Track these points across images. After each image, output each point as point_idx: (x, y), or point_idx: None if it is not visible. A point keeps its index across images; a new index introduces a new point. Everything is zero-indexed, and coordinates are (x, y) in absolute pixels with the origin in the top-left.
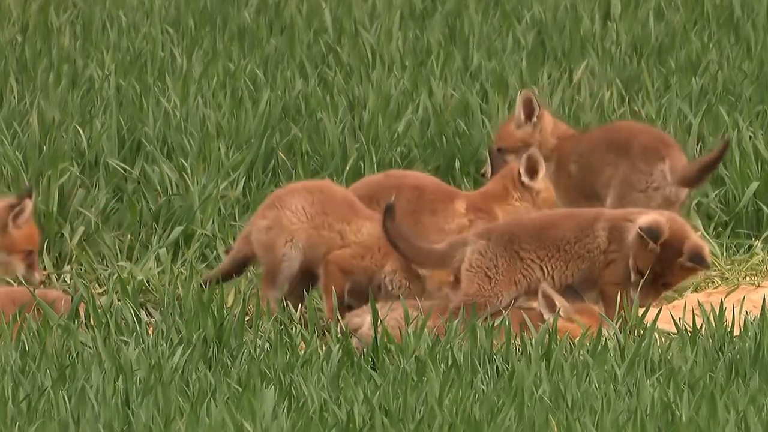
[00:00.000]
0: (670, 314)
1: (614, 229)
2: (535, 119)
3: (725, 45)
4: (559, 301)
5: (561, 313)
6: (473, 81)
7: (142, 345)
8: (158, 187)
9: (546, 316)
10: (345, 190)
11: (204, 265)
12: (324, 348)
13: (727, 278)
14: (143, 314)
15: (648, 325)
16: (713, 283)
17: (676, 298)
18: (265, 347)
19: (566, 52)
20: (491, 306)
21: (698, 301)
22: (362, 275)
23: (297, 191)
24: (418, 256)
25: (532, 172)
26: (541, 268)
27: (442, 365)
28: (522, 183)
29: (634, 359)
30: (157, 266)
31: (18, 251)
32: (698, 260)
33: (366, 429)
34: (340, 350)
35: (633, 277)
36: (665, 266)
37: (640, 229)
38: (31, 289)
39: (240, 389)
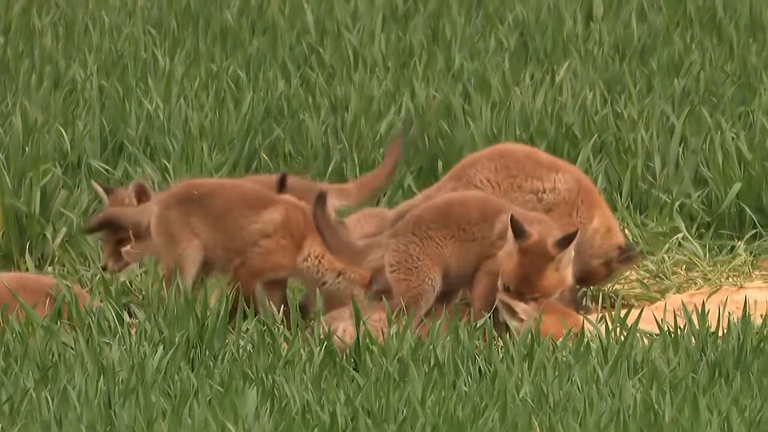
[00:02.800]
0: (653, 315)
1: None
2: None
3: (708, 46)
4: (517, 305)
5: (522, 316)
6: (456, 82)
7: (125, 346)
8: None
9: (510, 323)
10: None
11: None
12: (306, 349)
13: (710, 279)
14: (125, 315)
15: (630, 325)
16: (696, 284)
17: (659, 299)
18: (248, 348)
19: (549, 53)
20: (427, 294)
21: (681, 301)
22: None
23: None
24: (337, 247)
25: None
26: (446, 247)
27: (425, 366)
28: None
29: (617, 360)
30: (140, 267)
31: None
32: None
33: (349, 430)
34: (323, 351)
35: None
36: None
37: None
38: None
39: (222, 390)
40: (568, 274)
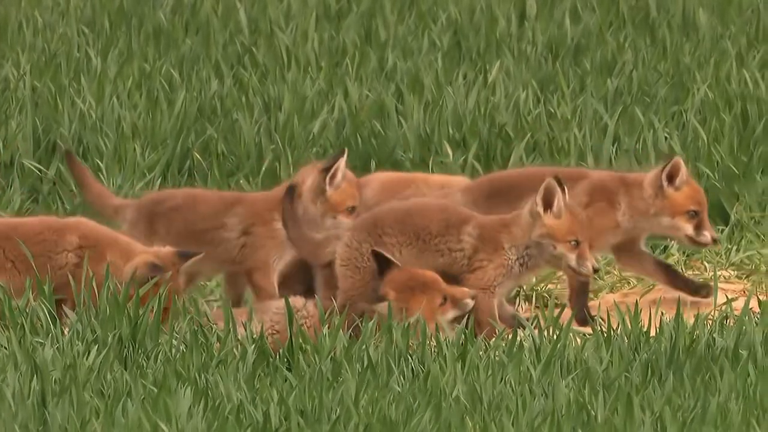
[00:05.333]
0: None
1: (485, 237)
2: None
3: (641, 46)
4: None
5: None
6: (389, 82)
7: (58, 345)
8: (74, 188)
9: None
10: None
11: None
12: (239, 348)
13: (643, 279)
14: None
15: (563, 325)
16: (629, 283)
17: (592, 299)
18: (181, 347)
19: (482, 53)
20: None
21: (614, 301)
22: None
23: None
24: (298, 240)
25: None
26: (400, 253)
27: (358, 366)
28: None
29: (550, 360)
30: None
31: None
32: None
33: (282, 429)
34: (256, 350)
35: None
36: None
37: None
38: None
39: (156, 389)
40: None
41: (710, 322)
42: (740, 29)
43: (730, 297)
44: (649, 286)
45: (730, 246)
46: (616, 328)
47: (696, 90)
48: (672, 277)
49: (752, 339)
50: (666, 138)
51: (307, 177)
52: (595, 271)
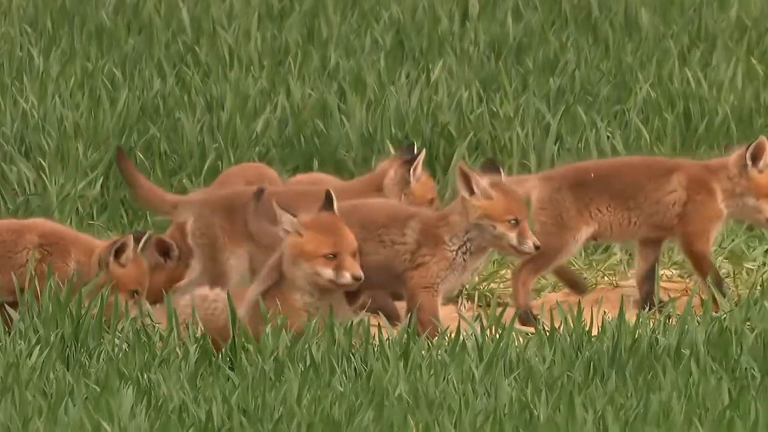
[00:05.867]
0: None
1: (427, 233)
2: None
3: (583, 45)
4: (283, 215)
5: (287, 227)
6: (331, 81)
7: (0, 344)
8: (16, 187)
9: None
10: None
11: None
12: (182, 347)
13: (586, 278)
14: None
15: (506, 324)
16: None
17: (535, 298)
18: (123, 347)
19: (424, 52)
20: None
21: (557, 300)
22: None
23: None
24: (261, 235)
25: None
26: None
27: (300, 365)
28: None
29: (492, 359)
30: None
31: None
32: None
33: (224, 429)
34: (198, 350)
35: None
36: None
37: None
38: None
39: (98, 389)
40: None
41: (653, 321)
42: (682, 28)
43: (672, 296)
44: (592, 285)
45: (672, 245)
46: (559, 327)
47: (638, 89)
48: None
49: (694, 338)
50: (608, 137)
51: (387, 171)
52: (537, 248)
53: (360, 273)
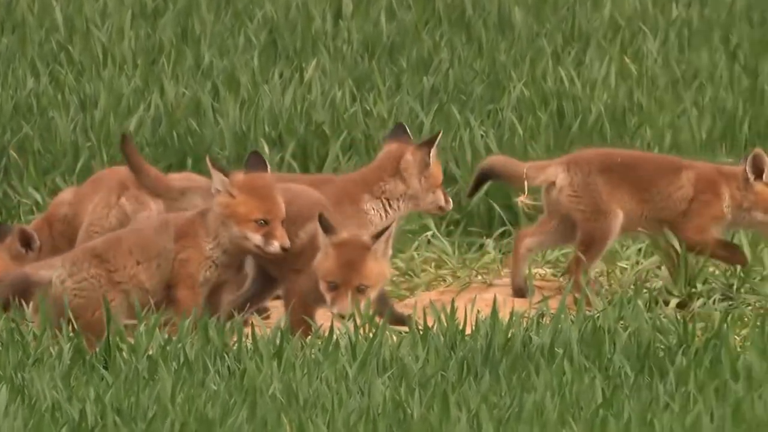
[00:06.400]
0: (402, 312)
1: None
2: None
3: (456, 44)
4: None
5: (218, 186)
6: (205, 79)
7: None
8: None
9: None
10: None
11: None
12: (56, 346)
13: (459, 277)
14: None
15: (380, 323)
16: (445, 281)
17: (408, 297)
18: None
19: (298, 51)
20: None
21: (430, 299)
22: None
23: None
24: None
25: None
26: None
27: (174, 364)
28: None
29: (366, 358)
30: None
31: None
32: None
33: (98, 428)
34: (72, 349)
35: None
36: None
37: None
38: None
39: None
40: (386, 269)
41: (526, 320)
42: (556, 27)
43: (545, 295)
44: (464, 284)
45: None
46: (432, 326)
47: (512, 88)
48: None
49: (568, 337)
50: (482, 136)
51: (396, 155)
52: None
53: (288, 243)
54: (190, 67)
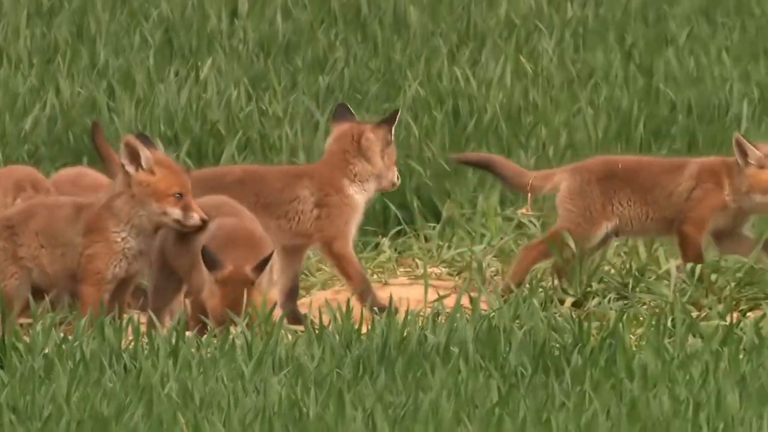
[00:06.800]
0: (297, 312)
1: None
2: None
3: (352, 43)
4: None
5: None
6: (100, 79)
7: None
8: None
9: None
10: None
11: None
12: None
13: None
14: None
15: (275, 322)
16: (340, 280)
17: (304, 296)
18: None
19: (194, 50)
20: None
21: (325, 298)
22: None
23: None
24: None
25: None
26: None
27: (70, 362)
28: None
29: (262, 356)
30: None
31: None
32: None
33: None
34: None
35: None
36: None
37: None
38: None
39: None
40: (274, 294)
41: (422, 319)
42: (451, 27)
43: (441, 294)
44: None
45: (441, 243)
46: (328, 325)
47: (407, 87)
48: None
49: (464, 336)
50: None
51: (360, 135)
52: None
53: (205, 216)
54: (86, 66)
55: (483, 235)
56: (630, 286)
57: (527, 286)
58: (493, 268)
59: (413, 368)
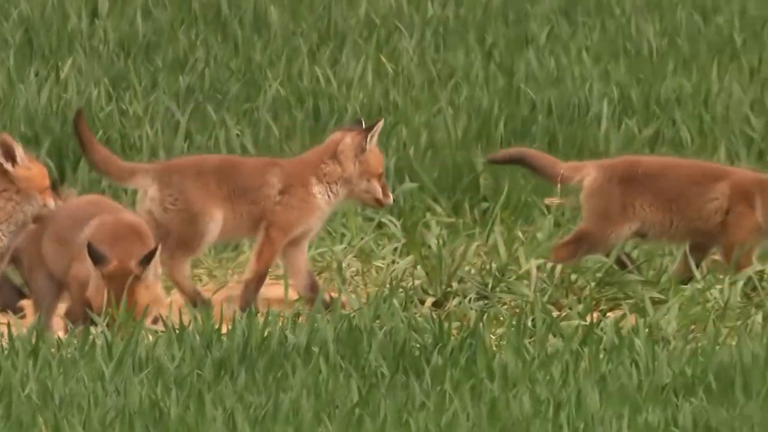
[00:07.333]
0: (159, 313)
1: None
2: None
3: (212, 43)
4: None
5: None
6: None
7: None
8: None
9: None
10: None
11: None
12: None
13: (215, 276)
14: None
15: (135, 323)
16: (201, 280)
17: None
18: None
19: (54, 50)
20: None
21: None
22: None
23: None
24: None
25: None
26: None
27: None
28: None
29: (122, 357)
30: None
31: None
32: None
33: None
34: None
35: None
36: None
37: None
38: None
39: None
40: (160, 291)
41: (282, 319)
42: (312, 26)
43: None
44: (221, 283)
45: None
46: (188, 325)
47: (268, 87)
48: None
49: (324, 336)
50: (238, 135)
51: (339, 140)
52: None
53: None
54: None
55: (343, 235)
56: (490, 286)
57: (387, 286)
58: (353, 268)
59: (274, 368)
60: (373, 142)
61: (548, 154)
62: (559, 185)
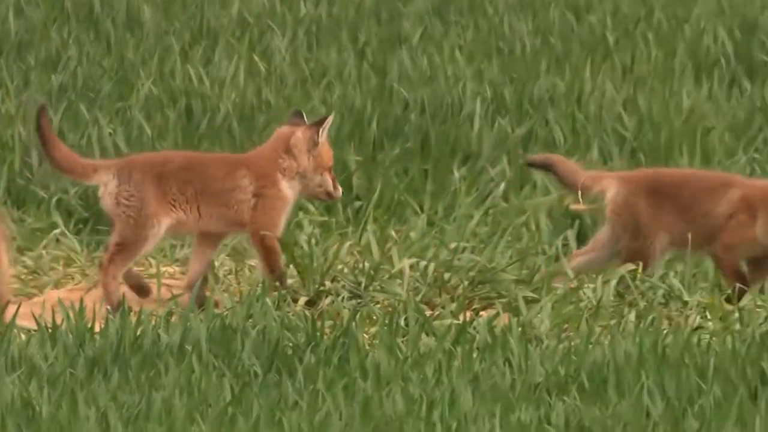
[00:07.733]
0: (31, 311)
1: None
2: None
3: (85, 41)
4: None
5: None
6: None
7: None
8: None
9: None
10: None
11: None
12: None
13: (88, 275)
14: None
15: (8, 322)
16: (74, 279)
17: (37, 295)
18: None
19: None
20: None
21: (59, 297)
22: None
23: None
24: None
25: None
26: None
27: None
28: None
29: None
30: None
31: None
32: None
33: None
34: None
35: None
36: None
37: None
38: None
39: None
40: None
41: (155, 318)
42: (184, 25)
43: (174, 293)
44: (93, 282)
45: (174, 242)
46: (61, 324)
47: (140, 85)
48: None
49: (197, 335)
50: (110, 134)
51: (289, 135)
52: None
53: None
54: None
55: None
56: (363, 285)
57: (260, 285)
58: (226, 267)
59: (147, 367)
60: (323, 136)
61: (574, 163)
62: (580, 194)
